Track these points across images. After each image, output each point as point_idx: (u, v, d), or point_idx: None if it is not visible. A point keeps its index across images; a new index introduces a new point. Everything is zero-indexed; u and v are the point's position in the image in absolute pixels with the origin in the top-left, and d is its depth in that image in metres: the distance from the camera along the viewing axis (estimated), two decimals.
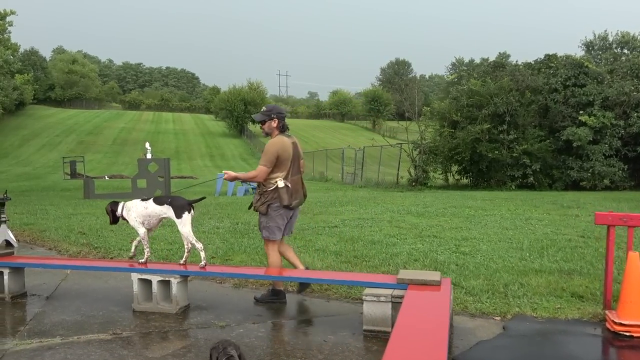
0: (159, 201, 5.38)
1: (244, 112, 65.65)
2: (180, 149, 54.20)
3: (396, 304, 4.44)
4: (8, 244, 8.46)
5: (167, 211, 5.33)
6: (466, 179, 24.43)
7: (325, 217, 11.40)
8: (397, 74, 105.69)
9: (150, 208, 5.37)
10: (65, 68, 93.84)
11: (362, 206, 13.74)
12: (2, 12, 78.83)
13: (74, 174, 31.18)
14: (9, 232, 8.51)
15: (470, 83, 23.91)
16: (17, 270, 5.58)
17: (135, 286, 5.08)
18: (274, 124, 5.47)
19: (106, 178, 30.39)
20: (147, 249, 5.52)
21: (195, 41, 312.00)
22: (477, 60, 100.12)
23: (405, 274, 4.65)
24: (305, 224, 10.23)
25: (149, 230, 5.53)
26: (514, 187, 22.47)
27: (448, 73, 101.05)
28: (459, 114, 23.20)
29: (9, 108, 61.12)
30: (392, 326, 4.45)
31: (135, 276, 5.08)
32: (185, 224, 5.29)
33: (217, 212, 12.36)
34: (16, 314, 5.11)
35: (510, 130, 22.48)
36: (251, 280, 6.06)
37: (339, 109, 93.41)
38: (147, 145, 50.79)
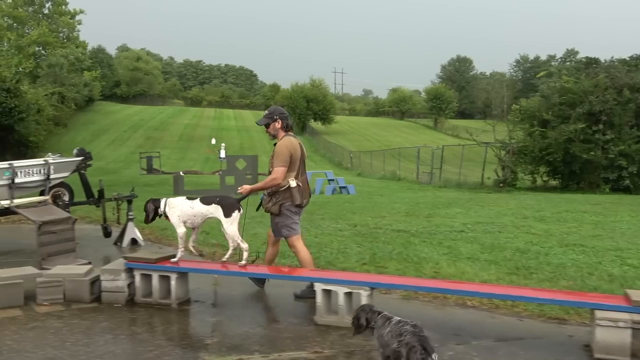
0: (206, 201, 5.27)
1: (306, 109, 65.48)
2: (245, 146, 54.37)
3: (636, 330, 3.89)
4: (134, 242, 8.30)
5: (214, 211, 5.21)
6: (555, 180, 23.32)
7: (441, 220, 10.82)
8: (457, 71, 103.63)
9: (196, 208, 5.26)
10: (130, 65, 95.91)
11: (468, 209, 13.06)
12: (72, 11, 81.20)
13: (150, 169, 31.53)
14: (136, 230, 8.33)
15: (562, 80, 22.79)
16: (183, 275, 5.28)
17: (319, 297, 4.67)
18: (278, 125, 5.56)
19: (181, 174, 30.54)
20: (181, 249, 5.41)
21: (252, 42, 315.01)
22: (543, 57, 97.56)
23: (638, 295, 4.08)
24: (426, 227, 9.70)
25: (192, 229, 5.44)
26: (607, 190, 21.26)
27: (512, 70, 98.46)
28: (549, 112, 22.14)
29: (80, 104, 62.86)
30: (631, 356, 3.93)
31: (319, 286, 4.67)
32: (232, 223, 5.20)
33: (321, 212, 11.97)
34: (192, 323, 4.81)
35: (605, 131, 21.28)
36: (418, 291, 5.55)
37: (398, 107, 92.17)
38: (214, 141, 51.37)
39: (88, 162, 8.53)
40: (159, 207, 5.36)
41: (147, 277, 5.29)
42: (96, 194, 8.51)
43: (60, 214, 6.95)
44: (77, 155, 8.16)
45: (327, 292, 4.68)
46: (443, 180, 25.90)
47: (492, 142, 22.95)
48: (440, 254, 7.23)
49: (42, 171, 7.39)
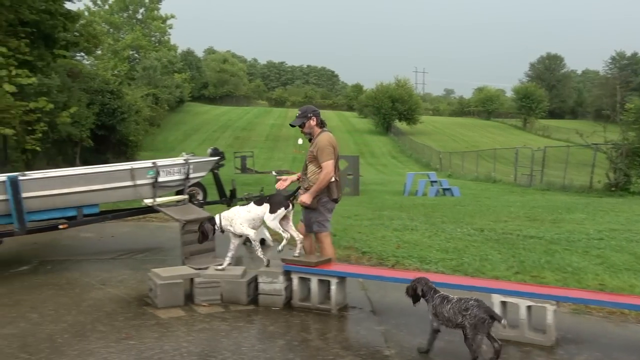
0: (259, 202, 5.44)
1: (391, 109, 64.79)
2: None
3: None
4: (262, 242, 8.25)
5: (266, 209, 5.35)
6: None
7: (570, 225, 10.18)
8: (547, 69, 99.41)
9: (253, 211, 5.40)
10: (216, 67, 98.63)
11: (592, 214, 12.25)
12: (164, 15, 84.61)
13: (244, 169, 32.13)
14: (265, 231, 8.29)
15: None
16: (342, 279, 5.11)
17: (497, 310, 4.36)
18: (313, 122, 5.61)
19: (273, 173, 30.89)
20: (232, 254, 5.52)
21: (333, 42, 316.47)
22: None
23: None
24: (559, 233, 9.10)
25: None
26: None
27: (607, 68, 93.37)
28: None
29: (172, 105, 65.18)
30: None
31: (497, 298, 4.36)
32: (275, 218, 5.32)
33: (437, 214, 11.59)
34: (360, 331, 4.61)
35: None
36: (589, 306, 5.11)
37: (485, 107, 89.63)
38: (300, 141, 51.68)
39: (221, 162, 8.60)
40: (216, 224, 5.50)
41: (304, 281, 5.16)
42: (228, 194, 8.57)
43: (201, 213, 6.99)
44: (212, 155, 8.23)
45: (504, 304, 4.37)
46: (545, 182, 24.72)
47: (602, 143, 21.63)
48: (594, 264, 6.71)
49: (182, 170, 7.49)
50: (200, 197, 8.15)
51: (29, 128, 11.04)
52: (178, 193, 7.74)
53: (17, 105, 10.24)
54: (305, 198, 5.46)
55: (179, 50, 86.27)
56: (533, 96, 75.41)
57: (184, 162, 7.66)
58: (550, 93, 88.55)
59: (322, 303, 5.08)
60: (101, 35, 34.77)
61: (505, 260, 6.88)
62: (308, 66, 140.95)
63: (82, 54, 33.11)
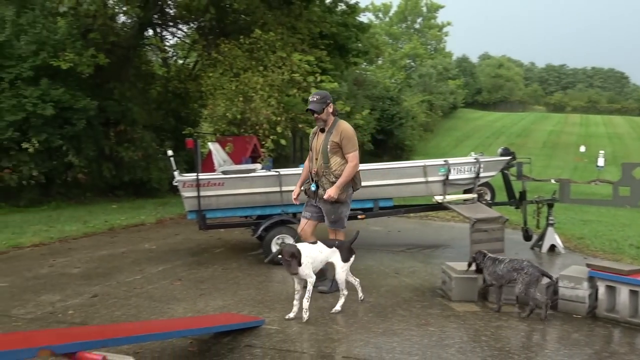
0: (328, 244, 4.92)
1: None
2: (617, 154, 49.11)
3: None
4: (552, 248, 7.83)
5: (332, 255, 4.87)
6: None
7: None
8: None
9: (324, 252, 4.85)
10: (491, 73, 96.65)
11: None
12: (440, 24, 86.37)
13: (520, 176, 30.88)
14: (556, 237, 7.86)
15: None
16: None
17: None
18: (330, 109, 5.19)
19: (552, 181, 29.14)
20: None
21: (625, 41, 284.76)
22: None
23: None
24: None
25: None
26: None
27: None
28: None
29: (445, 111, 65.93)
30: None
31: None
32: (347, 269, 4.93)
33: None
34: None
35: None
36: None
37: None
38: (583, 148, 47.83)
39: (512, 163, 8.42)
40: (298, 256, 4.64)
41: (612, 290, 4.73)
42: (517, 196, 8.34)
43: (491, 212, 6.91)
44: (502, 155, 8.09)
45: None
46: None
47: None
48: None
49: (472, 169, 7.51)
50: (488, 197, 8.04)
51: None
52: (466, 192, 7.76)
53: None
54: (333, 192, 5.08)
55: (454, 57, 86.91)
56: None
57: (474, 160, 7.66)
58: None
59: (633, 317, 4.60)
60: (382, 45, 36.92)
61: None
62: (592, 68, 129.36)
63: (365, 63, 35.67)
